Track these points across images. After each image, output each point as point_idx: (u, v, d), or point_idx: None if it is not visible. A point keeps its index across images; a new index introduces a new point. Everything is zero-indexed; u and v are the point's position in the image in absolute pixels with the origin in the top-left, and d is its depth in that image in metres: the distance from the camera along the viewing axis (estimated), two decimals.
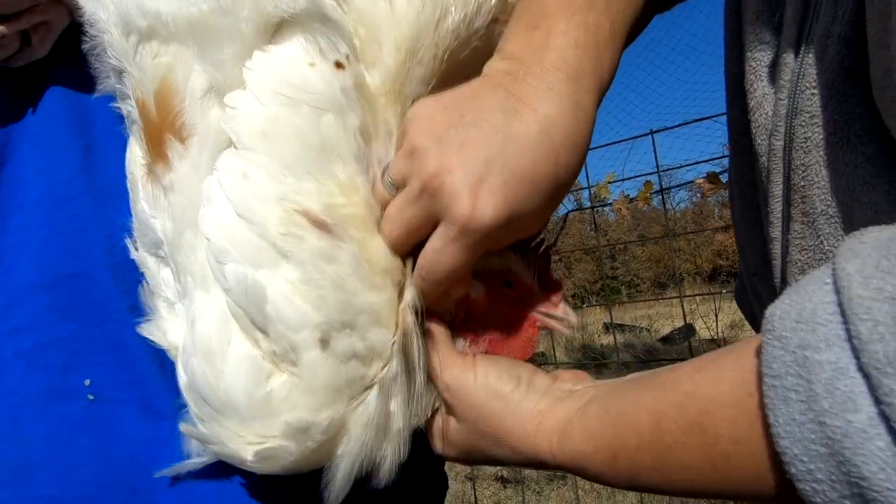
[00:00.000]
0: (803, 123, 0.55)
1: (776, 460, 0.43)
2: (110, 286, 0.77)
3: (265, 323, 0.59)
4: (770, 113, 0.60)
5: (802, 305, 0.42)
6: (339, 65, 0.60)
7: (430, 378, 0.67)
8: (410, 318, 0.63)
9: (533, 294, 0.72)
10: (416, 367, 0.63)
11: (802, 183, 0.56)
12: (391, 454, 0.64)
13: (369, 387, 0.62)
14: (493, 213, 0.56)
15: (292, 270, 0.59)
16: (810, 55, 0.54)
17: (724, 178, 4.13)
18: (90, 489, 0.73)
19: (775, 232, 0.61)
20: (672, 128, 4.35)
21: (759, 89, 0.62)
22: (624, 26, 0.61)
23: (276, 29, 0.61)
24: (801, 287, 0.44)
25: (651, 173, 4.31)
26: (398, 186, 0.61)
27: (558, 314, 0.71)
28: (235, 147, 0.61)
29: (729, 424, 0.47)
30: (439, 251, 0.59)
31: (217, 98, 0.62)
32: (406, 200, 0.60)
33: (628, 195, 4.69)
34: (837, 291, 0.41)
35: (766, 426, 0.43)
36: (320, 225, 0.59)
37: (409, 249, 0.63)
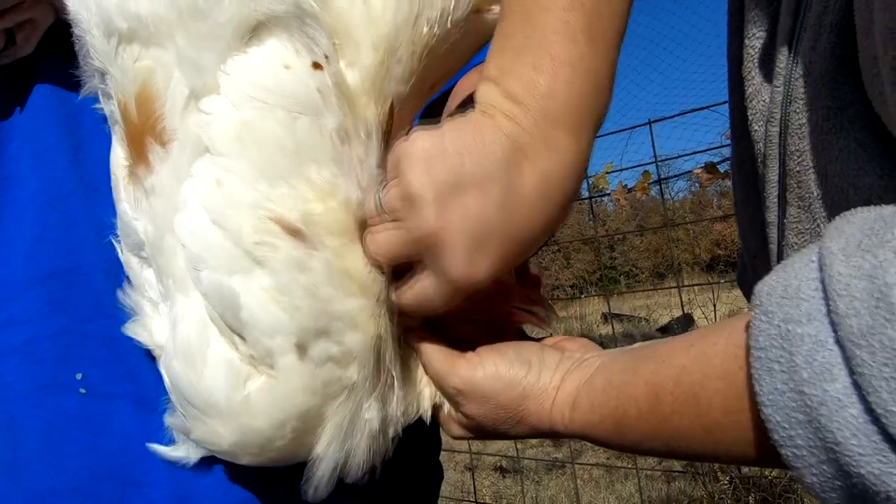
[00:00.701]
0: (797, 110, 0.56)
1: (762, 428, 0.45)
2: (102, 281, 0.77)
3: (241, 328, 0.60)
4: (767, 100, 0.61)
5: (788, 282, 0.44)
6: (316, 65, 0.60)
7: (437, 385, 0.68)
8: (385, 323, 0.64)
9: (511, 289, 0.72)
10: (390, 369, 0.65)
11: (798, 168, 0.57)
12: (362, 454, 0.65)
13: (346, 388, 0.63)
14: (487, 271, 0.57)
15: (266, 278, 0.59)
16: (804, 44, 0.55)
17: (722, 168, 4.13)
18: (82, 482, 0.74)
19: (771, 216, 0.63)
20: (670, 118, 4.34)
21: (756, 77, 0.63)
22: (616, 57, 0.60)
23: (254, 30, 0.61)
24: (789, 264, 0.46)
25: (649, 163, 4.30)
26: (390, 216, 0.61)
27: (538, 309, 0.72)
28: (210, 153, 0.60)
29: (721, 396, 0.50)
30: (428, 295, 0.61)
31: (197, 103, 0.62)
32: (398, 239, 0.60)
33: (626, 185, 4.68)
34: (821, 269, 0.43)
35: (753, 397, 0.45)
36: (294, 232, 0.59)
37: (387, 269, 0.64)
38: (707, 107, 4.18)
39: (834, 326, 0.40)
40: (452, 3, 0.64)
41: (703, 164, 4.23)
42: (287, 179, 0.59)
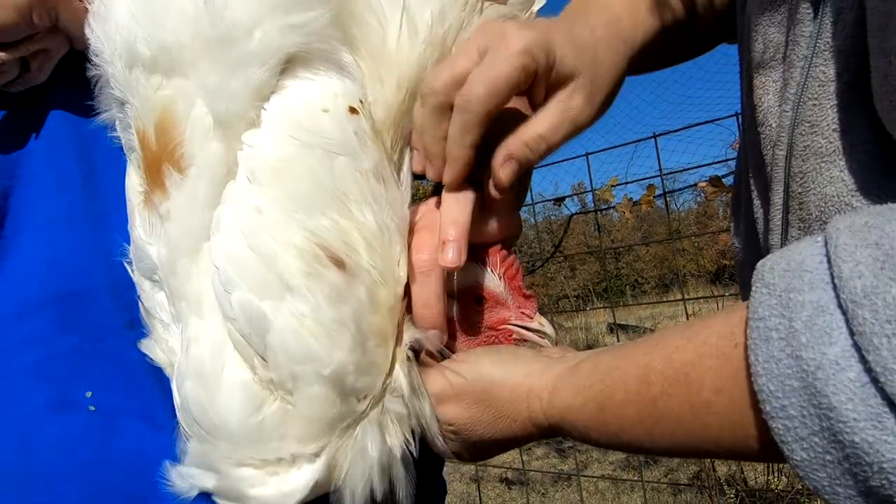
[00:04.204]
0: (804, 133, 0.57)
1: (755, 408, 0.45)
2: (109, 302, 0.79)
3: (265, 351, 0.61)
4: (775, 125, 0.62)
5: (791, 257, 0.45)
6: (352, 110, 0.63)
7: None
8: (408, 356, 0.66)
9: (506, 307, 0.73)
10: (417, 396, 0.66)
11: (800, 190, 0.58)
12: (402, 479, 0.67)
13: (360, 421, 0.64)
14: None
15: (301, 304, 0.60)
16: (815, 70, 0.57)
17: (727, 182, 4.13)
18: (88, 497, 0.75)
19: (774, 239, 0.64)
20: (675, 131, 4.35)
21: (766, 103, 0.65)
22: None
23: (289, 63, 0.63)
24: (794, 245, 0.47)
25: (654, 176, 4.30)
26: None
27: (533, 325, 0.73)
28: (250, 182, 0.62)
29: (713, 374, 0.50)
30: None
31: (218, 130, 0.64)
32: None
33: (631, 198, 4.69)
34: (825, 244, 0.43)
35: (748, 376, 0.45)
36: (337, 262, 0.61)
37: None
38: (712, 120, 4.19)
39: (836, 291, 0.41)
40: None
41: (708, 178, 4.23)
42: (326, 213, 0.61)
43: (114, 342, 0.78)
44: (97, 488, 0.75)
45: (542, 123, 0.65)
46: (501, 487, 5.47)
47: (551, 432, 0.63)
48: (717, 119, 4.13)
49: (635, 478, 4.92)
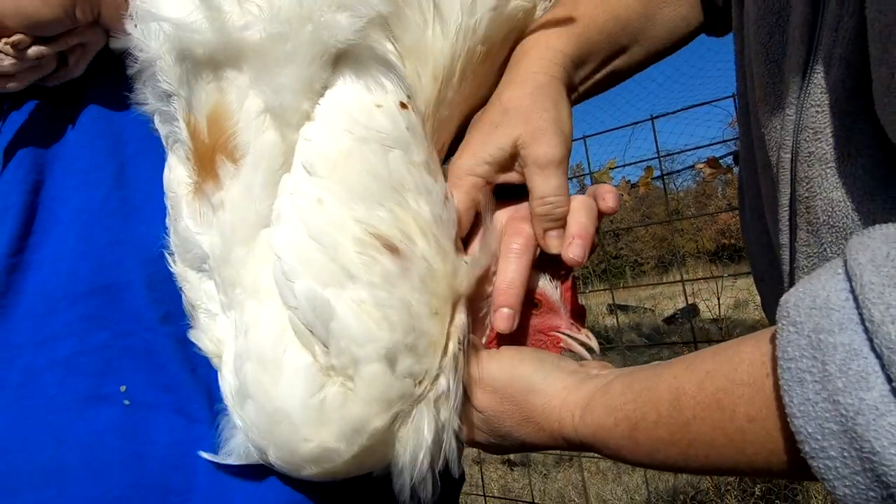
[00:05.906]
0: (808, 139, 0.58)
1: (790, 438, 0.45)
2: (143, 296, 0.79)
3: (328, 337, 0.63)
4: (779, 128, 0.63)
5: (816, 293, 0.45)
6: (403, 105, 0.65)
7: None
8: (460, 340, 0.68)
9: (558, 315, 0.77)
10: (461, 381, 0.69)
11: (806, 194, 0.59)
12: (452, 455, 0.69)
13: (417, 402, 0.66)
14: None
15: (361, 291, 0.62)
16: (816, 76, 0.57)
17: (724, 163, 4.16)
18: (124, 490, 0.75)
19: (784, 239, 0.64)
20: (672, 113, 4.35)
21: (769, 104, 0.65)
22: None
23: (339, 60, 0.64)
24: (815, 276, 0.47)
25: (652, 158, 4.32)
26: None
27: (580, 336, 0.76)
28: (309, 174, 0.64)
29: (746, 403, 0.50)
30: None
31: (272, 121, 0.65)
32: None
33: (629, 180, 4.71)
34: (849, 279, 0.43)
35: (781, 406, 0.45)
36: (392, 249, 0.63)
37: None
38: (709, 102, 4.20)
39: (869, 335, 0.41)
40: (499, 37, 0.70)
41: (706, 159, 4.25)
42: (383, 204, 0.64)
43: (147, 336, 0.78)
44: (132, 482, 0.75)
45: (546, 184, 0.72)
46: (504, 469, 5.51)
47: (581, 447, 0.64)
48: (715, 100, 4.14)
49: None
